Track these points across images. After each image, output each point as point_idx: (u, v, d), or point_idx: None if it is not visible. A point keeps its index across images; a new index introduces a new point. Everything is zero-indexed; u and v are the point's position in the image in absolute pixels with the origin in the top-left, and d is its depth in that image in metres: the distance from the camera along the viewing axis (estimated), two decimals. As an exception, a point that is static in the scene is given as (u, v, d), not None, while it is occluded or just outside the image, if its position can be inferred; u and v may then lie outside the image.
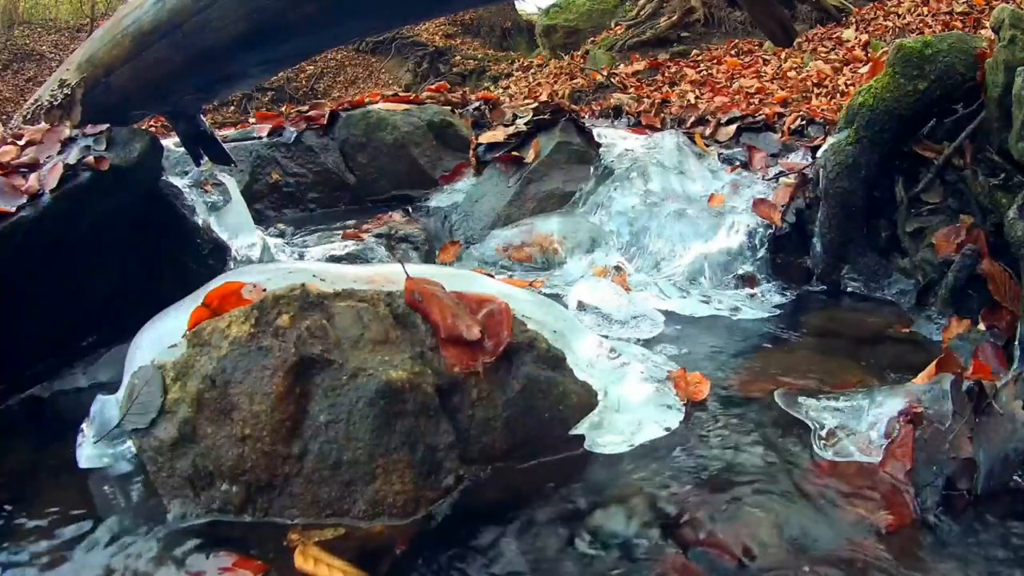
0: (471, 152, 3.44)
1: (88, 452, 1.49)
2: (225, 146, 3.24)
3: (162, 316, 1.59)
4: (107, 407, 1.48)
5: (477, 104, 4.30)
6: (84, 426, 1.51)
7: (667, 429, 1.54)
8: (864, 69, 5.53)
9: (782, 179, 2.79)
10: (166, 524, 1.31)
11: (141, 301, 1.73)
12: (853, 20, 7.82)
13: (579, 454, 1.48)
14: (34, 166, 1.93)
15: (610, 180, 2.97)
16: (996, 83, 2.06)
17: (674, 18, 9.25)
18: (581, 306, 2.15)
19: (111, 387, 1.57)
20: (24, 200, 1.81)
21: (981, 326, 1.90)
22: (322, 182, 3.66)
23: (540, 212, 2.98)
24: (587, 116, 4.14)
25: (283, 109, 5.56)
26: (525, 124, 3.30)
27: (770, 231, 2.56)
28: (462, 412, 1.42)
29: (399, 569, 1.21)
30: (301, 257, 2.74)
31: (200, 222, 2.40)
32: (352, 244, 2.78)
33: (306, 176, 3.65)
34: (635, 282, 2.52)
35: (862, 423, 1.48)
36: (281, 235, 3.07)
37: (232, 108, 12.72)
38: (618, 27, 9.91)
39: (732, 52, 7.97)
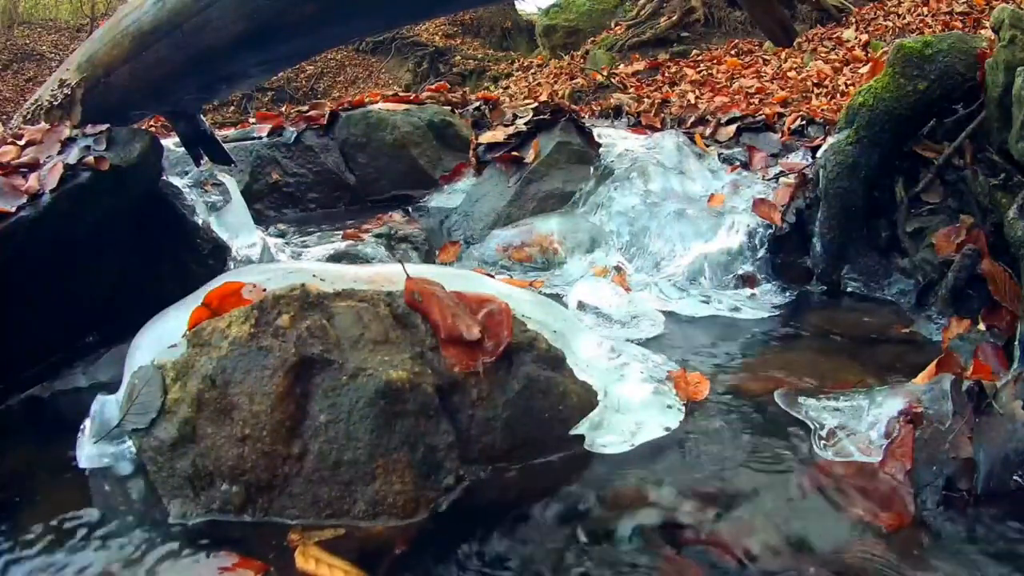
0: (471, 152, 3.44)
1: (88, 452, 1.48)
2: (225, 146, 3.25)
3: (162, 316, 1.58)
4: (107, 407, 1.48)
5: (477, 104, 4.31)
6: (84, 426, 1.51)
7: (667, 429, 1.54)
8: (864, 69, 5.53)
9: (782, 179, 2.79)
10: (166, 524, 1.31)
11: (141, 301, 1.73)
12: (853, 20, 7.82)
13: (579, 454, 1.48)
14: (34, 166, 1.93)
15: (610, 180, 2.97)
16: (996, 83, 2.06)
17: (674, 18, 9.26)
18: (581, 306, 2.15)
19: (111, 387, 1.57)
20: (24, 200, 1.81)
21: (981, 326, 1.90)
22: (322, 182, 3.66)
23: (540, 212, 2.98)
24: (587, 116, 4.15)
25: (283, 109, 5.56)
26: (525, 124, 3.29)
27: (770, 231, 2.56)
28: (462, 412, 1.42)
29: (399, 569, 1.21)
30: (301, 257, 2.74)
31: (200, 222, 2.40)
32: (352, 244, 2.78)
33: (306, 176, 3.65)
34: (635, 282, 2.52)
35: (862, 423, 1.48)
36: (281, 235, 3.07)
37: (232, 108, 12.72)
38: (618, 27, 9.91)
39: (732, 52, 7.97)
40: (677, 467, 1.43)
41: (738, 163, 3.13)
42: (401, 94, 4.73)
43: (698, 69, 7.43)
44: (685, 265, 2.58)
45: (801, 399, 1.61)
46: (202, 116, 3.14)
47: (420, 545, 1.25)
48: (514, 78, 10.37)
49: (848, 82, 5.66)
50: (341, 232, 2.98)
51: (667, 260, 2.65)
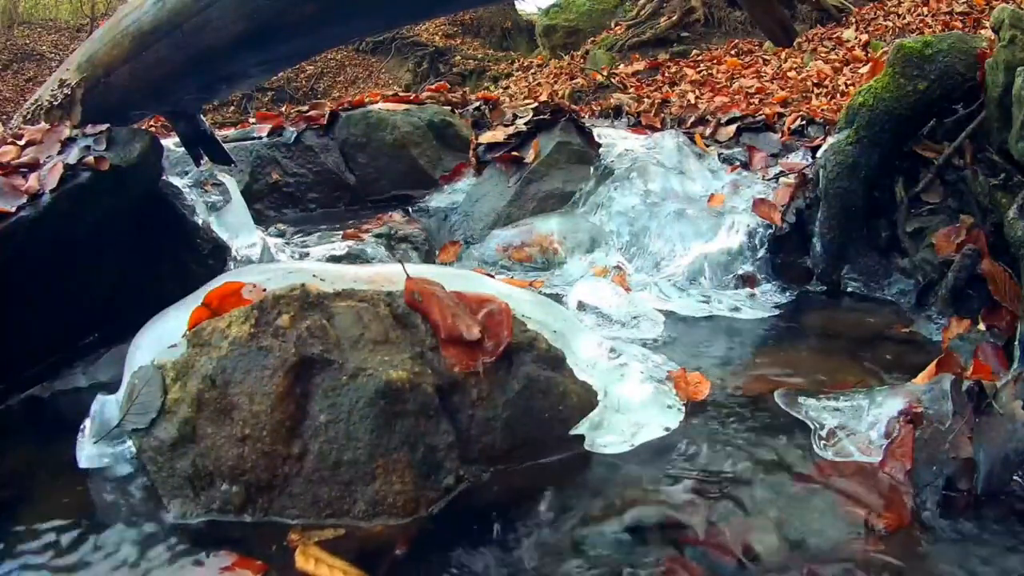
0: (471, 152, 3.44)
1: (88, 452, 1.48)
2: (225, 146, 3.25)
3: (162, 316, 1.58)
4: (107, 407, 1.48)
5: (477, 104, 4.31)
6: (84, 426, 1.51)
7: (667, 429, 1.54)
8: (864, 69, 5.54)
9: (782, 179, 2.79)
10: (166, 524, 1.31)
11: (141, 301, 1.73)
12: (853, 20, 7.82)
13: (579, 454, 1.48)
14: (34, 166, 1.93)
15: (610, 180, 2.97)
16: (996, 83, 2.06)
17: (674, 18, 9.26)
18: (581, 306, 2.15)
19: (111, 387, 1.57)
20: (24, 200, 1.81)
21: (981, 326, 1.90)
22: (322, 182, 3.66)
23: (540, 212, 2.98)
24: (587, 116, 4.15)
25: (283, 109, 5.56)
26: (525, 124, 3.29)
27: (770, 231, 2.56)
28: (462, 412, 1.42)
29: (399, 569, 1.21)
30: (301, 257, 2.74)
31: (200, 222, 2.40)
32: (352, 244, 2.78)
33: (306, 176, 3.65)
34: (635, 282, 2.52)
35: (862, 423, 1.48)
36: (281, 235, 3.07)
37: (232, 108, 12.72)
38: (618, 27, 9.91)
39: (732, 52, 7.97)
40: (677, 467, 1.43)
41: (738, 163, 3.13)
42: (401, 94, 4.73)
43: (698, 69, 7.43)
44: (685, 265, 2.58)
45: (801, 399, 1.61)
46: (202, 116, 3.14)
47: (420, 545, 1.25)
48: (514, 78, 10.37)
49: (848, 82, 5.66)
50: (341, 232, 2.98)
51: (667, 260, 2.65)
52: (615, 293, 2.21)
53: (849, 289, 2.41)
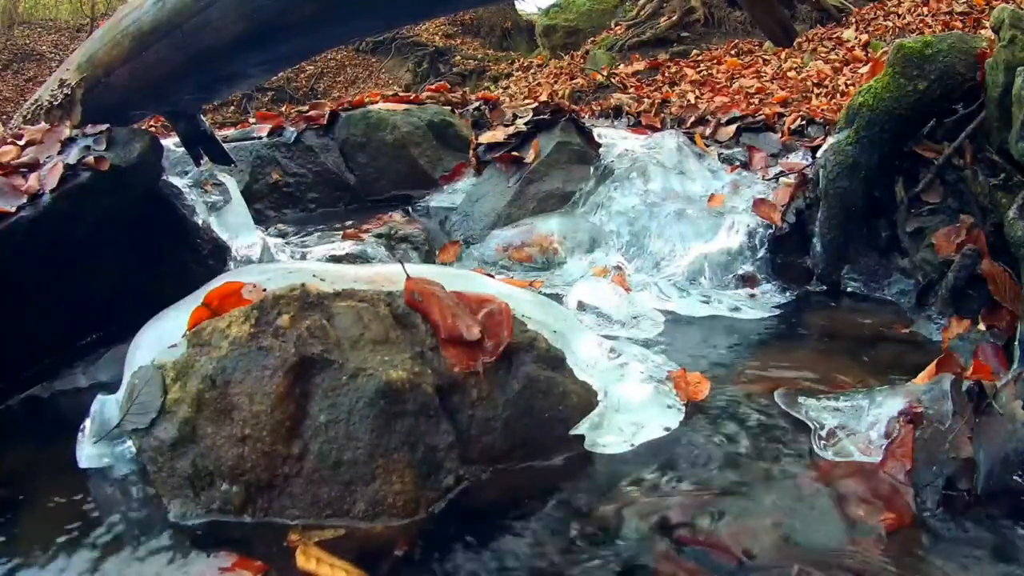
0: (471, 152, 3.44)
1: (88, 452, 1.49)
2: (225, 146, 3.24)
3: (162, 316, 1.59)
4: (107, 407, 1.48)
5: (477, 104, 4.31)
6: (84, 426, 1.51)
7: (667, 429, 1.54)
8: (864, 69, 5.54)
9: (782, 179, 2.79)
10: (166, 524, 1.31)
11: (141, 301, 1.73)
12: (853, 20, 7.83)
13: (579, 454, 1.48)
14: (34, 166, 1.93)
15: (610, 180, 2.97)
16: (996, 83, 2.06)
17: (674, 18, 9.26)
18: (581, 306, 2.15)
19: (111, 387, 1.57)
20: (24, 200, 1.81)
21: (981, 326, 1.90)
22: (322, 182, 3.66)
23: (540, 212, 2.98)
24: (587, 116, 4.15)
25: (283, 109, 5.56)
26: (525, 124, 3.29)
27: (770, 231, 2.56)
28: (462, 412, 1.42)
29: (399, 569, 1.21)
30: (301, 257, 2.74)
31: (200, 222, 2.40)
32: (352, 244, 2.78)
33: (306, 176, 3.65)
34: (635, 282, 2.52)
35: (862, 423, 1.48)
36: (281, 235, 3.07)
37: (232, 108, 12.72)
38: (618, 27, 9.91)
39: (732, 52, 7.97)
40: (677, 467, 1.43)
41: (738, 163, 3.13)
42: (401, 94, 4.73)
43: (698, 69, 7.43)
44: (685, 265, 2.58)
45: (801, 399, 1.61)
46: (202, 116, 3.14)
47: (420, 545, 1.25)
48: (514, 78, 10.37)
49: (848, 82, 5.66)
50: (341, 232, 2.98)
51: (667, 260, 2.65)
52: (615, 293, 2.21)
53: (849, 289, 2.41)
